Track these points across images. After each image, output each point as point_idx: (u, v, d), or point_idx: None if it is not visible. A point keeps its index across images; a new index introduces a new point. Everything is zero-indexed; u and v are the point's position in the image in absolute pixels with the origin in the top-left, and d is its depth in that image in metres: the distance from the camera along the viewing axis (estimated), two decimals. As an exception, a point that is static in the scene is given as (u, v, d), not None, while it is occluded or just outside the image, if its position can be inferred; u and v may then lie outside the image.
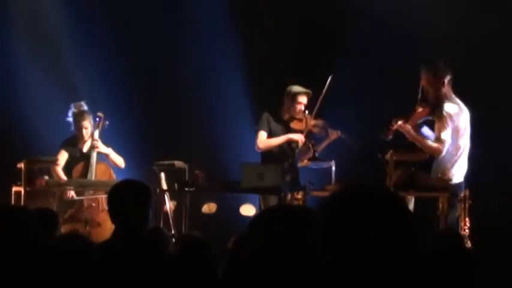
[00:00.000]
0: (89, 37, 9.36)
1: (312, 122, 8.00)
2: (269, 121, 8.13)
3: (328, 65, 8.31)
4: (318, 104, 7.88)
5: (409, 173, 7.00)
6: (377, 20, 8.86)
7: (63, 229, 7.43)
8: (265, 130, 8.09)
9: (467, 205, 6.92)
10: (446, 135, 6.97)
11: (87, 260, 3.30)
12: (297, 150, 8.00)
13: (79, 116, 8.28)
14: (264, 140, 8.08)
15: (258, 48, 9.39)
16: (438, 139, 7.00)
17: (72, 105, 8.33)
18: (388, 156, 7.11)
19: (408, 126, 7.07)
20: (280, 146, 8.08)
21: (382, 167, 7.08)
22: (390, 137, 7.13)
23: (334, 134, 7.94)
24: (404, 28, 8.69)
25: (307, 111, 8.03)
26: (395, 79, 8.35)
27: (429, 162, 7.19)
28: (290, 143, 8.05)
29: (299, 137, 8.00)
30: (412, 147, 7.21)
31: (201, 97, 9.38)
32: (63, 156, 8.26)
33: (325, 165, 7.76)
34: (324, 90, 7.79)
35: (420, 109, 7.10)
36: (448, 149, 7.02)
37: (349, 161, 7.88)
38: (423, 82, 7.09)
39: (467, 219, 6.90)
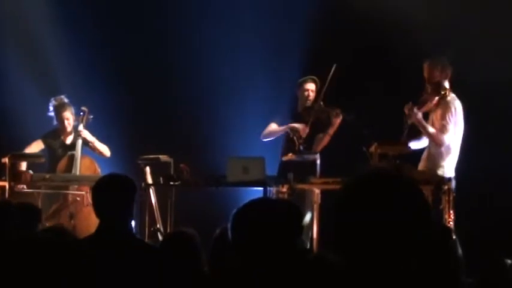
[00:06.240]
0: (72, 29, 9.30)
1: (317, 108, 7.99)
2: (283, 115, 8.19)
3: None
4: (322, 92, 7.90)
5: (394, 165, 7.01)
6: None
7: (48, 224, 7.40)
8: (275, 122, 8.14)
9: (451, 198, 6.94)
10: (451, 126, 7.06)
11: (72, 253, 3.29)
12: (300, 141, 7.94)
13: (60, 108, 8.30)
14: (268, 128, 8.12)
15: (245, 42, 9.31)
16: (444, 128, 7.06)
17: (52, 99, 8.36)
18: (372, 149, 7.13)
19: (419, 112, 7.11)
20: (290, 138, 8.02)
21: (366, 160, 7.09)
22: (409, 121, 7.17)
23: (336, 120, 7.92)
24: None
25: (321, 103, 7.99)
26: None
27: (413, 155, 7.23)
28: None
29: (300, 126, 8.00)
30: (396, 140, 7.24)
31: (187, 90, 9.34)
32: (37, 146, 8.25)
33: (310, 158, 7.76)
34: (328, 80, 7.76)
35: (432, 98, 7.13)
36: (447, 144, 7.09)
37: (333, 154, 7.87)
38: (428, 75, 7.13)
39: (451, 211, 6.92)
